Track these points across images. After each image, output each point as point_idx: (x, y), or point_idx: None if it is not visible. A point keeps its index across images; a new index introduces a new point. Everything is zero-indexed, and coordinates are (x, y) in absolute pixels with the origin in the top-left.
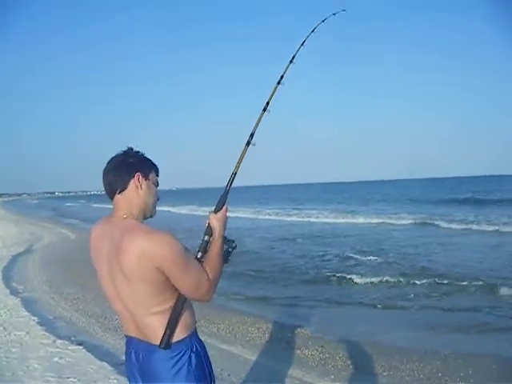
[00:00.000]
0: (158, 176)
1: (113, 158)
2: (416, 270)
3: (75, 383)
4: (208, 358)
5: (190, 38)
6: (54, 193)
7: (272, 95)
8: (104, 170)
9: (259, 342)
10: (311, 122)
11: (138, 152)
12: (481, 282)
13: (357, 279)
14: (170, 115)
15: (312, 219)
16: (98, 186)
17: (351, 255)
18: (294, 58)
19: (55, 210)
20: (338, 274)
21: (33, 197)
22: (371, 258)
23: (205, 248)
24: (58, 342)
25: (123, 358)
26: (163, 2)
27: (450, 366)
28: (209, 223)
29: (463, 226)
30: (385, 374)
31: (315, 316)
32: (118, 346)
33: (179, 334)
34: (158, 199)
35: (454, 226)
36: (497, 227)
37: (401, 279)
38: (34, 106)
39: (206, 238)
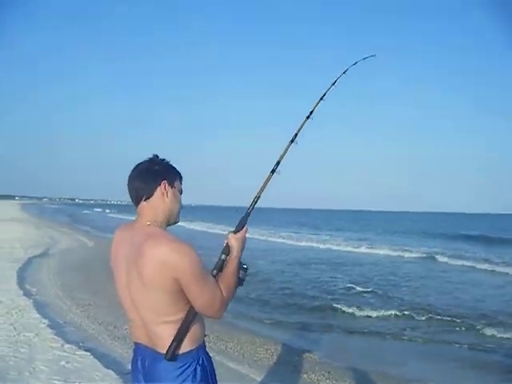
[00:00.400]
0: (181, 184)
1: (139, 165)
2: (423, 305)
3: None
4: (214, 372)
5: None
6: (74, 199)
7: (300, 128)
8: (130, 177)
9: (267, 363)
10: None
11: (164, 160)
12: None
13: (363, 310)
14: (208, 132)
15: (323, 245)
16: (118, 197)
17: (357, 286)
18: (324, 95)
19: (71, 216)
20: (347, 304)
21: (53, 201)
22: (378, 290)
23: (221, 267)
24: (66, 346)
25: (129, 367)
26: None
27: None
28: (227, 243)
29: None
30: None
31: (323, 342)
32: (125, 355)
33: (187, 346)
34: (181, 206)
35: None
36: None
37: (407, 313)
38: (66, 110)
39: (223, 256)
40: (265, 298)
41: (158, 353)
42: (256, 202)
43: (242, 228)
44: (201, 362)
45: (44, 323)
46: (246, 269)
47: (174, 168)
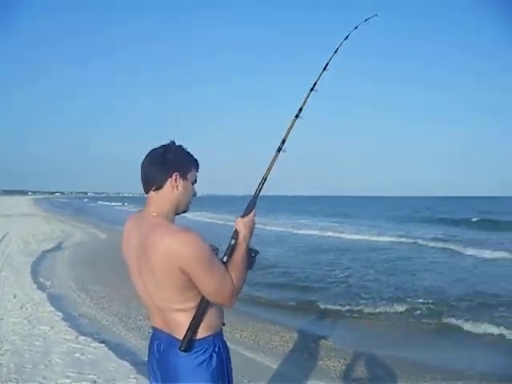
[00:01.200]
0: (197, 171)
1: (152, 151)
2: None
3: (95, 380)
4: (229, 360)
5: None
6: (86, 193)
7: (305, 102)
8: (142, 163)
9: (282, 351)
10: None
11: (180, 146)
12: None
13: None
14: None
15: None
16: (131, 189)
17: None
18: (327, 65)
19: (77, 210)
20: (361, 291)
21: (65, 196)
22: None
23: (231, 252)
24: (81, 338)
25: (144, 358)
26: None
27: None
28: (236, 228)
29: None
30: None
31: (339, 328)
32: (140, 346)
33: (202, 332)
34: (195, 195)
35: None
36: None
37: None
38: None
39: (233, 242)
40: (278, 282)
41: (174, 338)
42: (263, 184)
43: (250, 212)
44: (217, 349)
45: (58, 316)
46: (257, 252)
47: (189, 156)
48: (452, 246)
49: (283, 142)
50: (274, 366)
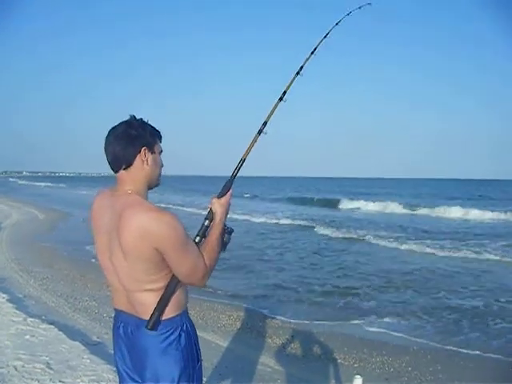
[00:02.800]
0: (161, 142)
1: (114, 128)
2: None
3: (48, 362)
4: (197, 338)
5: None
6: (21, 172)
7: (290, 85)
8: (106, 142)
9: (230, 329)
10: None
11: (141, 120)
12: None
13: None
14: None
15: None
16: (68, 168)
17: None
18: (315, 49)
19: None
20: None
21: None
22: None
23: (204, 233)
24: (29, 320)
25: (95, 338)
26: None
27: (419, 361)
28: (210, 208)
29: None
30: (356, 365)
31: (286, 307)
32: (89, 327)
33: (170, 312)
34: (162, 166)
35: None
36: None
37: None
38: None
39: (207, 222)
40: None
41: (142, 319)
42: (241, 164)
43: (227, 193)
44: (185, 328)
45: (3, 298)
46: (231, 231)
47: (152, 129)
48: None
49: (265, 124)
50: (224, 345)
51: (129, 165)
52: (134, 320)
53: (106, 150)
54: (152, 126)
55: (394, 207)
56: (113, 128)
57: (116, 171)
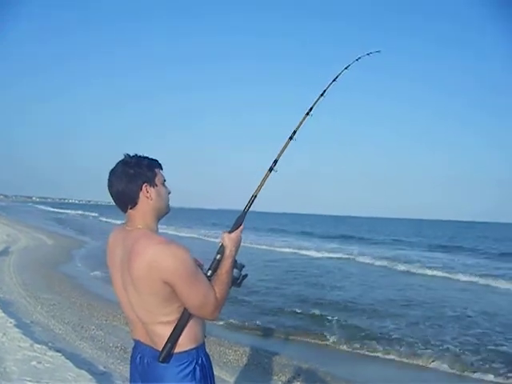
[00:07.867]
0: (162, 169)
1: (113, 170)
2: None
3: None
4: (213, 373)
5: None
6: (31, 197)
7: (300, 125)
8: (108, 184)
9: (237, 365)
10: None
11: (136, 156)
12: None
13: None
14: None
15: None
16: (78, 195)
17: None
18: (325, 92)
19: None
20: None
21: (8, 199)
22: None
23: (216, 267)
24: (36, 346)
25: (101, 367)
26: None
27: None
28: (222, 243)
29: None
30: None
31: (289, 345)
32: (95, 356)
33: (186, 345)
34: (169, 193)
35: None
36: None
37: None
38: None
39: (218, 256)
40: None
41: (158, 351)
42: (253, 201)
43: (238, 228)
44: (200, 362)
45: (11, 323)
46: (242, 266)
47: (149, 162)
48: None
49: (275, 162)
50: (231, 380)
51: (134, 204)
52: (150, 351)
53: (109, 192)
54: (149, 159)
55: None
56: (111, 171)
57: (124, 211)
